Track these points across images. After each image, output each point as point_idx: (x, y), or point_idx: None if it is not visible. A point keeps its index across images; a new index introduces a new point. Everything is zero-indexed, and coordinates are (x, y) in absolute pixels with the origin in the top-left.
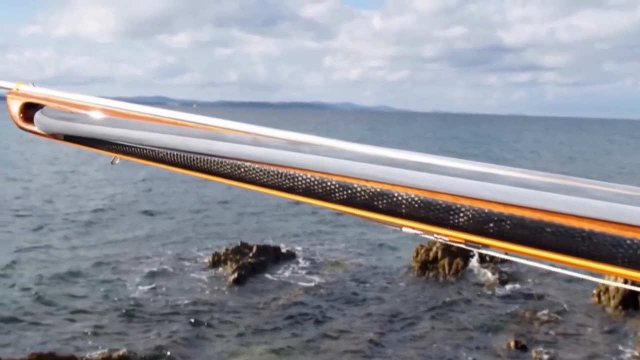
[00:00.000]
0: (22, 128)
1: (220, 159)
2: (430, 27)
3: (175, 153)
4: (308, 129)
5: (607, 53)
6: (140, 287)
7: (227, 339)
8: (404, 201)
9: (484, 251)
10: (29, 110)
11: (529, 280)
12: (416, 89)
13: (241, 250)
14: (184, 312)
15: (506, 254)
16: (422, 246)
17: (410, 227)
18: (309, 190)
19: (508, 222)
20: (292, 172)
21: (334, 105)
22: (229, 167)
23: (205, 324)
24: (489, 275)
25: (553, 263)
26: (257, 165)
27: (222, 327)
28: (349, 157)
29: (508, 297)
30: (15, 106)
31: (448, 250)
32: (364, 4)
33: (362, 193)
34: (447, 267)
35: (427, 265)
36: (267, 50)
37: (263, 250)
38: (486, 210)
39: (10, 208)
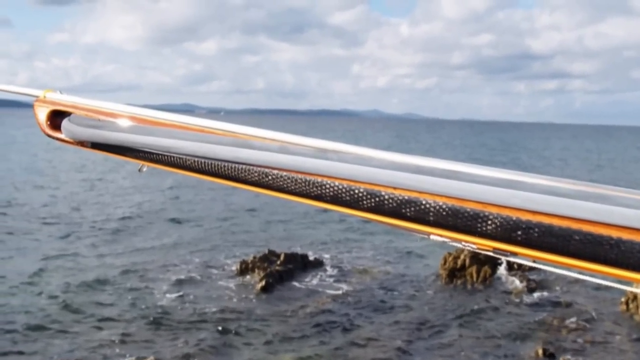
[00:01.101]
0: (49, 136)
1: (247, 167)
2: (458, 34)
3: (202, 161)
4: (336, 136)
5: (636, 60)
6: (167, 295)
7: (255, 346)
8: (431, 209)
9: (512, 259)
10: (56, 117)
11: (557, 288)
12: (444, 97)
13: (269, 258)
14: (211, 319)
15: (534, 261)
16: (450, 254)
17: (438, 235)
18: (337, 198)
19: (536, 229)
20: (319, 179)
21: (361, 113)
22: (256, 174)
23: (233, 331)
24: (517, 283)
25: (581, 271)
26: (284, 173)
27: (249, 335)
28: (376, 165)
29: (536, 305)
30: (42, 114)
31: (476, 258)
32: (392, 12)
33: (390, 201)
34: (475, 275)
35: (455, 273)
36: (294, 57)
37: (291, 258)
38: (514, 218)
39: (37, 216)
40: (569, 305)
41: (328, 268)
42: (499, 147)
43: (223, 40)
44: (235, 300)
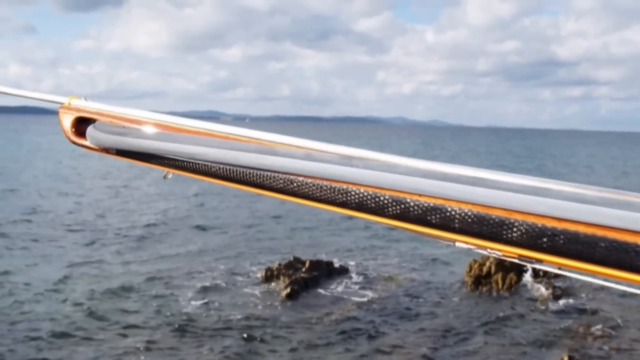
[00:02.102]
0: (74, 142)
1: (273, 174)
2: (484, 41)
3: (227, 167)
4: (361, 143)
5: None
6: (192, 302)
7: (280, 354)
8: (457, 216)
9: (537, 266)
10: (81, 124)
11: (583, 295)
12: (469, 104)
13: (294, 265)
14: (236, 327)
15: (560, 268)
16: (475, 261)
17: (463, 242)
18: (362, 205)
19: (561, 236)
20: (345, 186)
21: (386, 120)
22: (281, 181)
23: (258, 339)
24: (542, 290)
25: (607, 278)
26: (310, 180)
27: (274, 342)
28: (402, 172)
29: (562, 312)
30: (67, 121)
31: (501, 265)
32: (418, 19)
33: (415, 208)
34: (500, 282)
35: (480, 280)
36: (320, 64)
37: (316, 265)
38: (540, 225)
39: (62, 223)
40: (594, 312)
41: (353, 275)
42: (525, 154)
43: (248, 47)
44: (260, 307)
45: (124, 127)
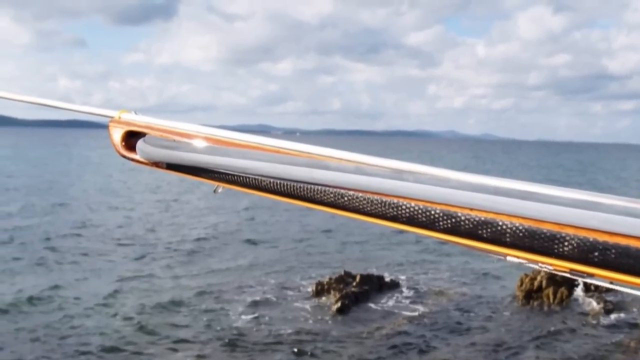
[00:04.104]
0: (124, 156)
1: (323, 188)
2: (535, 55)
3: (278, 182)
4: (411, 157)
5: None
6: (243, 317)
7: None
8: (508, 230)
9: (588, 280)
10: (131, 138)
11: (634, 309)
12: (520, 117)
13: (345, 279)
14: (287, 341)
15: (611, 283)
16: (526, 275)
17: (514, 256)
18: (413, 219)
19: (613, 251)
20: (395, 200)
21: (437, 134)
22: (332, 195)
23: (309, 353)
24: (593, 304)
25: None
26: (360, 194)
27: (325, 356)
28: (453, 186)
29: (613, 327)
30: (117, 134)
31: (553, 279)
32: (468, 32)
33: (467, 222)
34: (551, 296)
35: (531, 294)
36: (370, 78)
37: (366, 279)
38: (591, 239)
39: (112, 237)
40: None
41: (404, 289)
42: (576, 168)
43: (298, 61)
44: (310, 321)
45: (174, 141)
